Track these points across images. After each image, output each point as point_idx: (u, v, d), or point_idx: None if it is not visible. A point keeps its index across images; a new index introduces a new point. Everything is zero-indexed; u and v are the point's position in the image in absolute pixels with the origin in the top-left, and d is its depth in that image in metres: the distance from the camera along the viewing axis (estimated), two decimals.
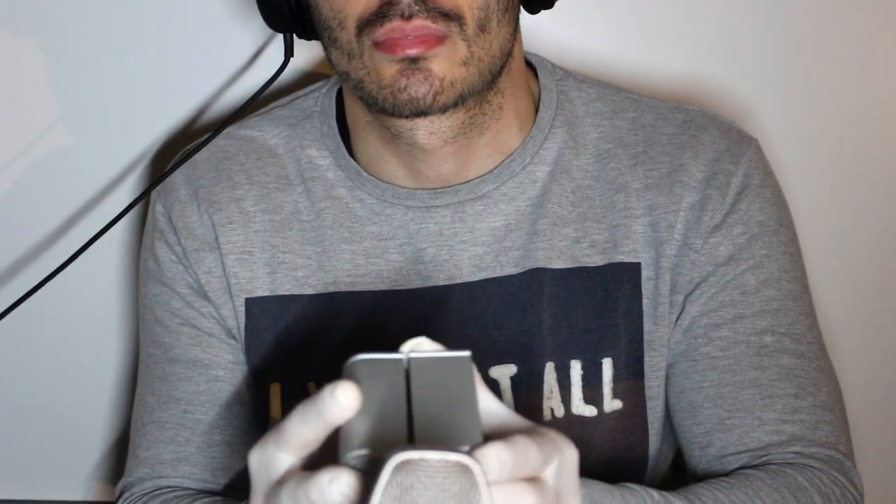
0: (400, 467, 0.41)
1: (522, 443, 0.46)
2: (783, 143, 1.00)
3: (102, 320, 1.05)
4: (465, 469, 0.42)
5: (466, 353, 0.51)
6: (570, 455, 0.49)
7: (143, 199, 0.86)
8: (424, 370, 0.50)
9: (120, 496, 0.83)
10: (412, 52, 0.69)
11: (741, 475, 0.73)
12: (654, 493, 0.66)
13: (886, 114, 1.05)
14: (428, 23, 0.69)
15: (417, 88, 0.70)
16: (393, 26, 0.69)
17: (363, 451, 0.45)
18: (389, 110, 0.72)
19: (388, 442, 0.45)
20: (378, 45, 0.70)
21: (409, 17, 0.69)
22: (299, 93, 0.87)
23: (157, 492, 0.81)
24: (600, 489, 0.64)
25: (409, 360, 0.50)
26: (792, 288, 0.80)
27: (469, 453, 0.44)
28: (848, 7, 1.01)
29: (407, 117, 0.72)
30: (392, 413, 0.47)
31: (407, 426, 0.47)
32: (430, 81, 0.70)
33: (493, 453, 0.44)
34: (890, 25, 1.02)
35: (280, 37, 0.84)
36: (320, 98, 0.85)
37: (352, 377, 0.48)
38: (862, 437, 0.82)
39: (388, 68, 0.70)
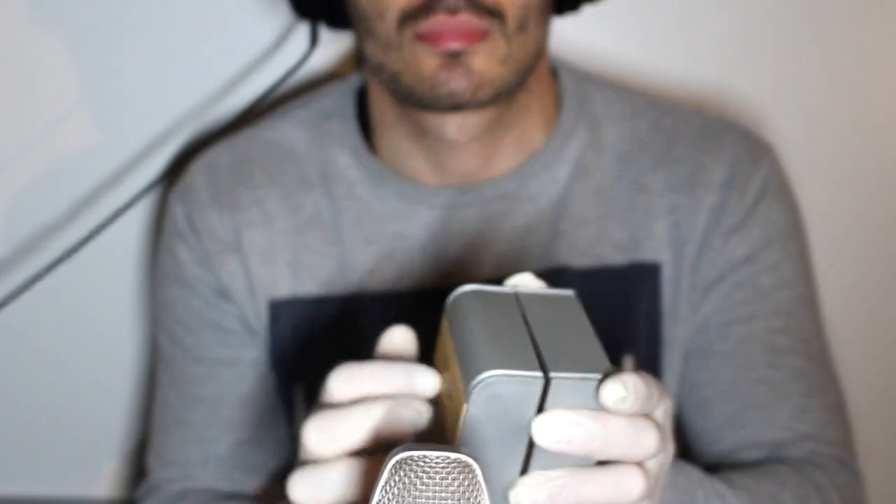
0: (400, 465, 0.43)
1: (647, 378, 0.47)
2: (795, 151, 1.00)
3: (116, 314, 1.06)
4: (466, 466, 0.43)
5: (571, 292, 0.51)
6: (669, 401, 0.51)
7: (154, 187, 0.87)
8: (536, 303, 0.50)
9: (146, 496, 0.85)
10: (455, 45, 0.70)
11: (765, 467, 0.75)
12: (697, 471, 0.67)
13: None
14: (472, 18, 0.70)
15: (458, 83, 0.71)
16: (438, 20, 0.70)
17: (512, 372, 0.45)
18: (426, 103, 0.73)
19: (520, 362, 0.45)
20: (420, 37, 0.71)
21: (455, 12, 0.70)
22: (315, 93, 0.88)
23: (187, 493, 0.83)
24: None
25: (518, 294, 0.50)
26: (804, 292, 0.81)
27: (605, 378, 0.45)
28: (861, 16, 1.02)
29: (442, 111, 0.74)
30: (515, 337, 0.47)
31: (534, 350, 0.47)
32: (469, 77, 0.71)
33: (631, 381, 0.45)
34: None
35: (303, 25, 0.84)
36: (338, 97, 0.86)
37: (461, 306, 0.49)
38: (861, 439, 0.83)
39: (429, 61, 0.71)
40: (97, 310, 1.05)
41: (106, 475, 1.10)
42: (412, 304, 0.81)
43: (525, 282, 0.51)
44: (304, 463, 0.51)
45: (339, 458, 0.49)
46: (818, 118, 1.05)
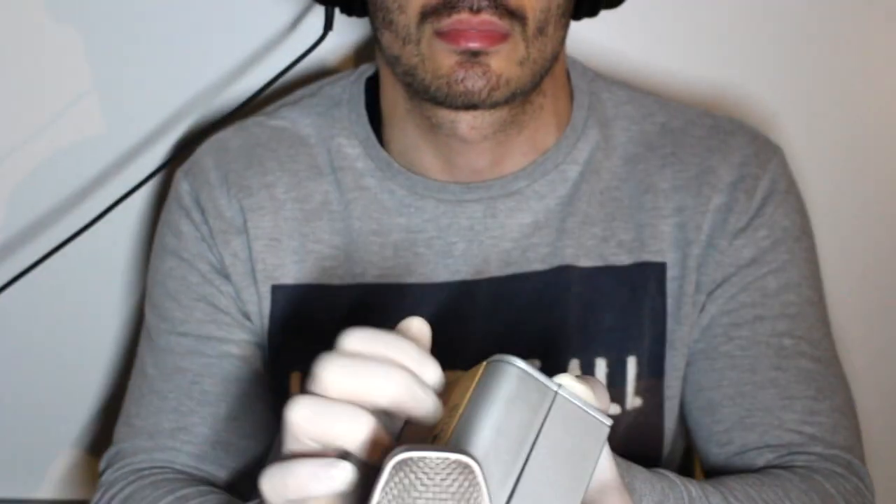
0: (400, 466, 0.43)
1: None
2: (801, 152, 1.00)
3: (111, 309, 1.06)
4: (466, 467, 0.43)
5: (608, 422, 0.51)
6: None
7: (161, 170, 0.87)
8: (565, 414, 0.50)
9: (108, 466, 0.84)
10: (475, 45, 0.71)
11: (770, 474, 0.76)
12: (692, 487, 0.68)
13: None
14: (494, 18, 0.71)
15: (475, 82, 0.72)
16: (460, 18, 0.70)
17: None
18: (440, 100, 0.74)
19: (494, 464, 0.46)
20: (440, 34, 0.71)
21: (478, 11, 0.70)
22: (325, 81, 0.89)
23: (149, 471, 0.81)
24: (643, 478, 0.65)
25: (557, 398, 0.50)
26: (810, 295, 0.82)
27: None
28: (868, 18, 1.02)
29: (456, 109, 0.74)
30: (510, 452, 0.48)
31: (515, 480, 0.47)
32: (487, 77, 0.72)
33: None
34: None
35: (320, 10, 0.83)
36: (348, 86, 0.87)
37: (499, 378, 0.49)
38: (865, 439, 0.83)
39: (447, 58, 0.72)
40: (90, 304, 1.05)
41: (52, 476, 1.10)
42: (417, 298, 0.81)
43: (574, 387, 0.51)
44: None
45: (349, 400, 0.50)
46: (825, 120, 1.05)
